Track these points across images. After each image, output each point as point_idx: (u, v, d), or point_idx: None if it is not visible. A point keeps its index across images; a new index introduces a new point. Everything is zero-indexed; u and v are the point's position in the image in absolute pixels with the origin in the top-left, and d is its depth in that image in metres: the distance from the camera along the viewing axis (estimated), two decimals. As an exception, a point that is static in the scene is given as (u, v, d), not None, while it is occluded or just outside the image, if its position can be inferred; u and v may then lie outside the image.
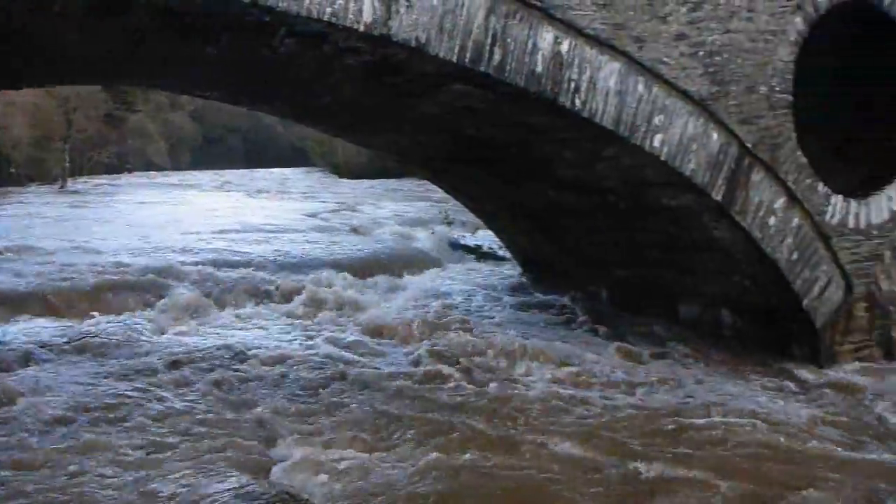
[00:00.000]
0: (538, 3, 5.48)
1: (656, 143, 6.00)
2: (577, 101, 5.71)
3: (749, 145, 6.33)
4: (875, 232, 6.98)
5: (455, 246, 12.62)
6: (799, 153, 6.58)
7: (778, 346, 6.96)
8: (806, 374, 6.52)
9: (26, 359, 6.73)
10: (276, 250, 12.26)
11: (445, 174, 9.27)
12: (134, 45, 5.80)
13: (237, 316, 8.63)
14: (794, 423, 5.45)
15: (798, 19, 6.46)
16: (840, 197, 6.80)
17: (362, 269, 10.58)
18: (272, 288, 9.56)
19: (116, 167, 35.42)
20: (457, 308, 8.69)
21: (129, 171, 37.07)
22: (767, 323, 7.04)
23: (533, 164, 7.22)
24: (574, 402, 5.80)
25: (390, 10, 5.05)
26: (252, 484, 4.42)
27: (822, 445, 5.09)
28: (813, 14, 6.52)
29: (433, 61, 5.35)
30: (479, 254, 12.03)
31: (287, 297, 9.21)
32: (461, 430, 5.19)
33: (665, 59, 5.97)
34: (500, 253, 11.43)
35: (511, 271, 10.45)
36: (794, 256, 6.62)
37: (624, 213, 7.22)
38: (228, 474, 4.52)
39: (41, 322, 8.07)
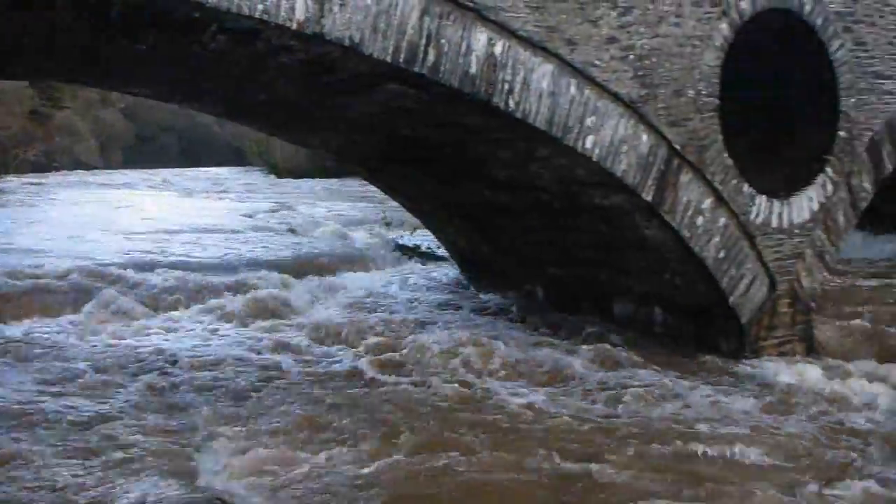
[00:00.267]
0: (472, 5, 5.52)
1: (588, 144, 6.11)
2: (511, 102, 5.77)
3: (677, 147, 6.50)
4: (797, 231, 7.26)
5: (394, 246, 12.59)
6: (725, 155, 6.78)
7: (706, 342, 7.17)
8: (731, 367, 6.73)
9: (-57, 365, 6.47)
10: (210, 251, 12.04)
11: (382, 174, 9.25)
12: (57, 40, 5.62)
13: (169, 318, 8.44)
14: (714, 413, 5.64)
15: (724, 25, 6.66)
16: (764, 197, 7.04)
17: (299, 269, 10.46)
18: (206, 290, 9.37)
19: (44, 166, 34.18)
20: (394, 308, 8.68)
21: (57, 169, 35.79)
22: (696, 319, 7.25)
23: (468, 164, 7.27)
24: (510, 400, 5.86)
25: (323, 8, 5.01)
26: (181, 490, 4.34)
27: (740, 430, 5.30)
28: (738, 20, 6.73)
29: (367, 61, 5.33)
30: (418, 254, 12.04)
31: (221, 298, 9.04)
32: (398, 432, 5.17)
33: (596, 62, 6.08)
34: (439, 253, 11.46)
35: (449, 271, 10.49)
36: (721, 255, 6.83)
37: (558, 213, 7.33)
38: (156, 481, 4.43)
39: (-39, 327, 7.76)
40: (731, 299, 6.92)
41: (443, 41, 5.45)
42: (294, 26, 4.92)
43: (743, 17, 6.74)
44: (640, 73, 6.28)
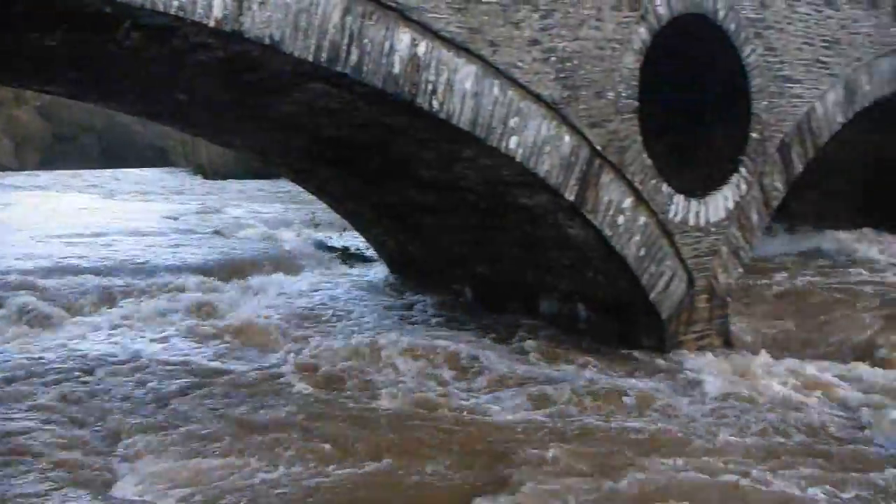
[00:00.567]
0: (394, 5, 5.51)
1: (512, 145, 6.18)
2: (435, 103, 5.79)
3: (599, 148, 6.64)
4: (713, 229, 7.51)
5: (322, 247, 12.46)
6: (645, 155, 6.96)
7: (629, 338, 7.35)
8: (652, 361, 6.92)
9: None
10: (132, 254, 11.66)
11: (308, 174, 9.15)
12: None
13: (86, 324, 8.14)
14: (635, 406, 5.84)
15: (642, 29, 6.84)
16: (682, 196, 7.26)
17: (224, 272, 10.24)
18: (126, 294, 9.09)
19: (-47, 167, 32.55)
20: (322, 311, 8.59)
21: (-32, 171, 34.12)
22: (619, 315, 7.42)
23: (394, 164, 7.26)
24: (436, 401, 5.88)
25: (242, 6, 4.91)
26: (97, 501, 4.19)
27: (657, 426, 5.51)
28: (655, 25, 6.92)
29: (289, 60, 5.26)
30: (347, 255, 11.94)
31: (142, 302, 8.79)
32: (322, 437, 5.12)
33: (519, 64, 6.15)
34: (368, 254, 11.40)
35: (378, 272, 10.45)
36: (642, 253, 7.01)
37: (484, 213, 7.39)
38: (70, 493, 4.27)
39: None
40: (652, 296, 7.11)
41: (365, 41, 5.42)
42: (211, 24, 4.81)
43: (660, 21, 6.94)
44: (561, 74, 6.38)
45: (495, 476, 4.67)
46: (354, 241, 11.95)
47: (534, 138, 6.28)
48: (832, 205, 11.83)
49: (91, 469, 4.62)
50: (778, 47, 7.96)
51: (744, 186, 7.75)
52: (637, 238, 6.96)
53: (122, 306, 8.75)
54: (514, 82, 6.14)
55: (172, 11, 4.68)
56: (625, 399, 5.97)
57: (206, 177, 30.74)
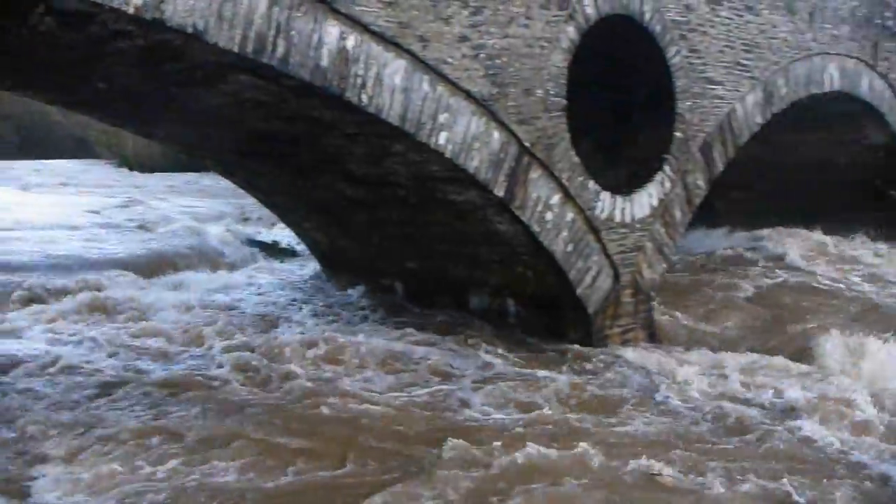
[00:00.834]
0: (323, -3, 5.45)
1: (441, 141, 6.19)
2: (364, 97, 5.75)
3: (527, 145, 6.71)
4: (638, 225, 7.69)
5: (251, 243, 12.25)
6: (572, 153, 7.07)
7: (557, 332, 7.47)
8: (578, 355, 7.05)
9: None
10: (51, 249, 11.20)
11: (237, 168, 8.96)
12: None
13: (1, 323, 7.80)
14: (551, 396, 5.97)
15: (570, 28, 6.94)
16: (608, 193, 7.41)
17: (148, 268, 9.96)
18: (43, 291, 8.74)
19: None
20: (248, 307, 8.44)
21: None
22: (547, 310, 7.53)
23: (324, 158, 7.18)
24: (361, 395, 5.85)
25: (164, -7, 4.78)
26: (10, 506, 4.03)
27: (578, 415, 5.67)
28: (584, 24, 7.03)
29: (213, 50, 5.14)
30: (277, 250, 11.78)
31: (61, 300, 8.46)
32: (246, 437, 5.03)
33: (448, 60, 6.16)
34: (299, 249, 11.26)
35: (309, 267, 10.32)
36: (570, 248, 7.13)
37: (414, 208, 7.38)
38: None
39: None
40: (579, 291, 7.24)
41: (293, 33, 5.34)
42: (131, 10, 4.66)
43: (588, 21, 7.05)
44: (491, 71, 6.42)
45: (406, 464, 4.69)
46: (285, 236, 11.79)
47: (463, 134, 6.30)
48: (753, 204, 12.25)
49: (6, 474, 4.43)
50: (701, 49, 8.20)
51: (668, 184, 7.96)
52: (565, 234, 7.07)
53: (39, 305, 8.41)
54: (444, 78, 6.15)
55: (89, -4, 4.52)
56: (541, 390, 6.07)
57: (131, 169, 29.77)
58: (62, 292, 8.67)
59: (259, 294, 9.17)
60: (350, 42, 5.63)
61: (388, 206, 7.65)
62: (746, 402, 6.11)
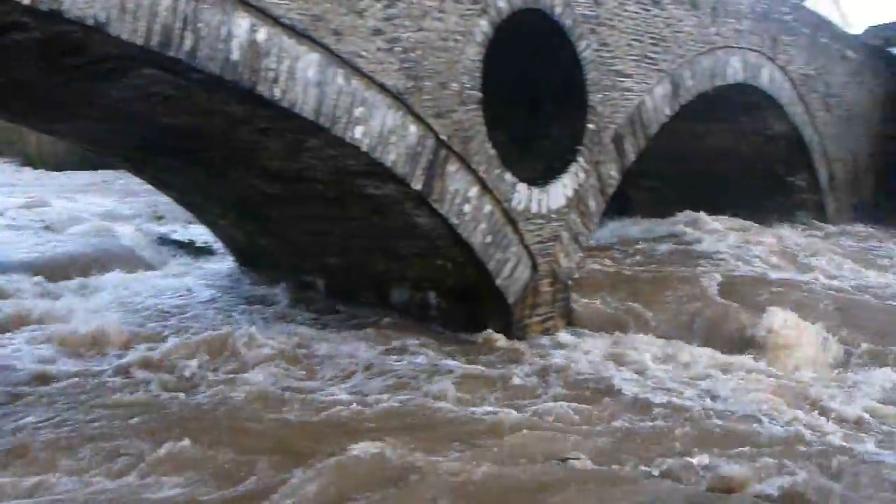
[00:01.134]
0: (231, -11, 5.32)
1: (357, 135, 6.15)
2: (277, 91, 5.66)
3: (444, 138, 6.74)
4: (554, 216, 7.85)
5: (165, 242, 11.89)
6: (489, 145, 7.15)
7: (477, 323, 7.55)
8: (498, 344, 7.17)
9: None
10: (-53, 254, 10.61)
11: (146, 165, 8.69)
12: None
13: None
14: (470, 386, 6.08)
15: (484, 22, 7.00)
16: (525, 185, 7.52)
17: (56, 271, 9.49)
18: (-60, 297, 8.27)
19: None
20: (162, 308, 8.19)
21: None
22: (467, 302, 7.61)
23: (237, 154, 7.03)
24: (280, 395, 5.79)
25: (61, -17, 4.58)
26: None
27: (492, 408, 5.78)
28: (496, 18, 7.10)
29: (116, 43, 4.95)
30: (193, 249, 11.46)
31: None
32: (161, 442, 4.88)
33: (363, 53, 6.13)
34: (215, 247, 11.00)
35: (226, 266, 10.11)
36: (488, 240, 7.21)
37: (333, 203, 7.32)
38: None
39: None
40: (498, 281, 7.34)
41: (200, 25, 5.21)
42: (26, 1, 4.45)
43: (501, 14, 7.13)
44: (406, 65, 6.42)
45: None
46: (201, 234, 11.49)
47: (380, 128, 6.29)
48: (664, 193, 12.66)
49: None
50: (610, 43, 8.41)
51: (582, 175, 8.14)
52: (483, 226, 7.15)
53: (-66, 311, 7.94)
54: (359, 72, 6.11)
55: (-22, -13, 4.30)
56: (451, 380, 6.16)
57: (35, 167, 28.43)
58: (-39, 299, 8.21)
59: (174, 294, 8.91)
60: (261, 35, 5.53)
61: (305, 201, 7.56)
62: (662, 385, 6.33)
